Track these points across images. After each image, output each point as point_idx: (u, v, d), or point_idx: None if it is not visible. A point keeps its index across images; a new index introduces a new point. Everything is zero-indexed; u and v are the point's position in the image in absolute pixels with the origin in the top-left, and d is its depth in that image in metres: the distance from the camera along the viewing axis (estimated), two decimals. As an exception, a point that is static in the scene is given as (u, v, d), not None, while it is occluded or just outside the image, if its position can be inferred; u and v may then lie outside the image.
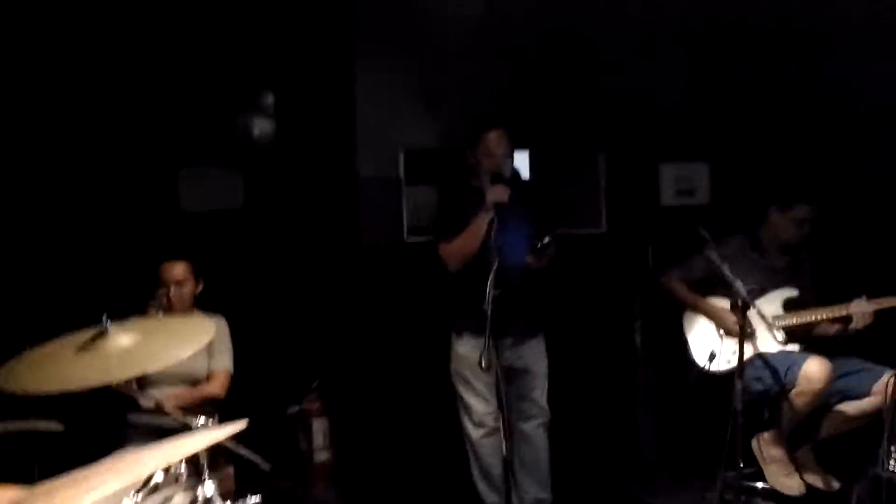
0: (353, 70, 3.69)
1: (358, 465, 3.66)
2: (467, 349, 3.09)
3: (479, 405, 3.12)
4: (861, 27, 3.63)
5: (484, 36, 3.82)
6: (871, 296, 3.08)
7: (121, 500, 1.65)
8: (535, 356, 3.19)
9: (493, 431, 3.08)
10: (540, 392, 3.21)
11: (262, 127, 4.04)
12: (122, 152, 3.65)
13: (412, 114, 3.71)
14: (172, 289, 2.93)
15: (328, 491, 3.70)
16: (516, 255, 2.97)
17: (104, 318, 1.75)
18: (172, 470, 1.79)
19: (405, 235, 3.69)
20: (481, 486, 3.20)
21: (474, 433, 3.16)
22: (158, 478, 1.74)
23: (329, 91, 3.84)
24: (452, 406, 3.24)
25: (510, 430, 3.08)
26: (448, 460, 3.37)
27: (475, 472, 3.21)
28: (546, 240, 2.97)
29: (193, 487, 1.72)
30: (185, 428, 2.03)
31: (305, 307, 3.78)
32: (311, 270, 3.83)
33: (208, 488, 1.70)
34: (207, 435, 1.51)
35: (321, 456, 3.72)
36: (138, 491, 1.69)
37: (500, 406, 2.73)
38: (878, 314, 3.06)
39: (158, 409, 2.42)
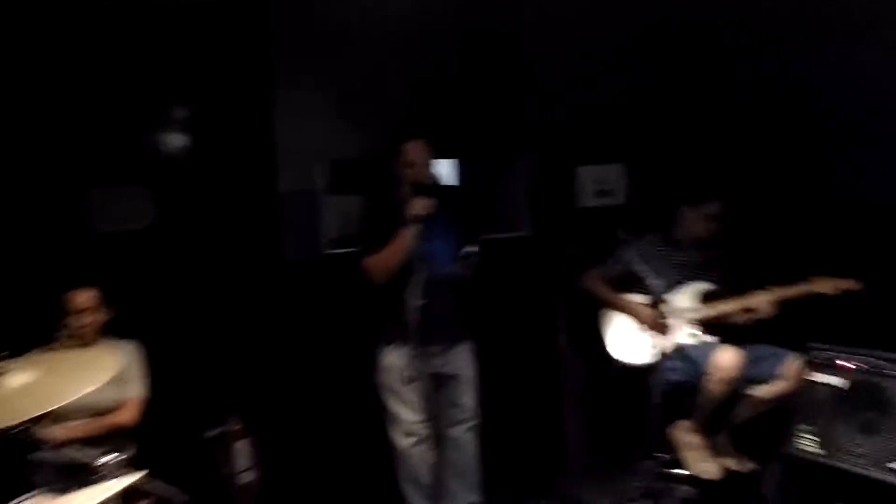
0: (270, 81, 3.61)
1: (284, 485, 3.59)
2: (394, 360, 3.08)
3: (408, 415, 3.10)
4: (774, 29, 3.78)
5: (405, 44, 3.80)
6: (777, 286, 3.23)
7: None
8: (463, 362, 3.20)
9: (421, 440, 3.07)
10: (469, 397, 3.22)
11: (173, 142, 3.91)
12: (26, 171, 3.47)
13: (333, 124, 3.65)
14: (78, 318, 2.79)
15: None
16: (442, 264, 2.99)
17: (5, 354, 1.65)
18: None
19: (328, 248, 3.62)
20: (411, 496, 3.18)
21: (403, 443, 3.14)
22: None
23: (245, 103, 3.74)
24: (379, 417, 3.21)
25: (439, 437, 3.09)
26: (377, 473, 3.34)
27: (404, 482, 3.19)
28: (470, 249, 3.00)
29: None
30: (90, 467, 1.93)
31: (225, 327, 3.68)
32: (230, 289, 3.73)
33: None
34: (104, 490, 1.43)
35: (245, 478, 3.62)
36: None
37: (429, 415, 2.73)
38: (782, 303, 3.21)
39: (61, 447, 2.29)
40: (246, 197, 3.80)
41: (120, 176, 3.68)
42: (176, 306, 3.63)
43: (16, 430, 2.33)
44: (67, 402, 1.65)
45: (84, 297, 2.82)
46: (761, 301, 3.19)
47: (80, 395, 1.64)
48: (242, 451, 3.55)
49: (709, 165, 4.08)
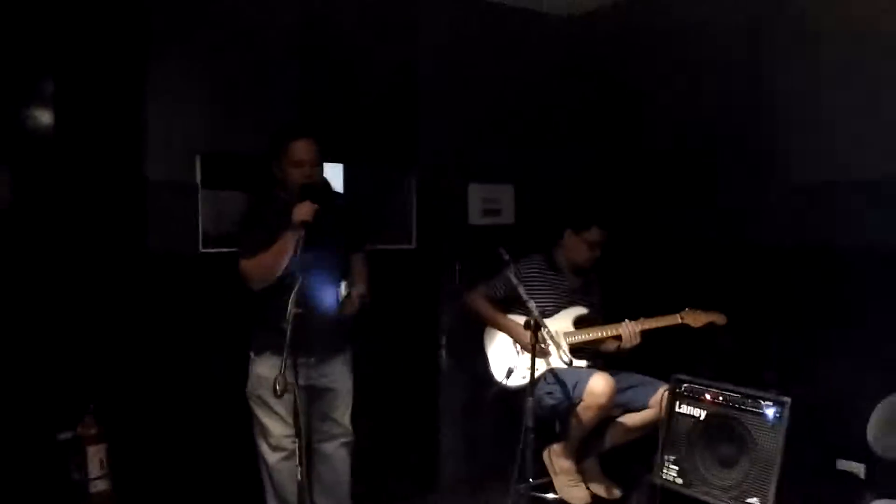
0: (145, 62, 3.37)
1: (140, 494, 3.33)
2: (266, 369, 2.93)
3: (277, 427, 2.97)
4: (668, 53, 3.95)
5: (296, 38, 3.67)
6: (647, 316, 3.34)
7: None
8: (339, 374, 3.11)
9: (291, 455, 2.92)
10: (343, 411, 3.13)
11: (37, 118, 3.57)
12: None
13: (211, 114, 3.45)
14: None
15: (107, 524, 3.35)
16: (322, 272, 2.88)
17: None
18: None
19: (200, 245, 3.42)
20: (275, 513, 3.05)
21: (271, 457, 3.00)
22: None
23: (117, 83, 3.47)
24: (246, 429, 3.05)
25: (310, 452, 2.97)
26: (241, 486, 3.18)
27: (270, 498, 3.06)
28: (344, 289, 2.95)
29: None
30: None
31: (81, 321, 3.38)
32: (89, 280, 3.43)
33: None
34: None
35: (98, 486, 3.37)
36: None
37: (298, 429, 2.61)
38: (647, 333, 3.32)
39: None
40: (112, 183, 3.51)
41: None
42: (29, 297, 3.30)
43: None
44: None
45: None
46: (629, 329, 3.29)
47: None
48: (96, 457, 3.29)
49: (593, 192, 4.20)
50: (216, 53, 3.46)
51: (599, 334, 3.37)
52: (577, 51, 4.35)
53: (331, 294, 2.97)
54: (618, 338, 3.32)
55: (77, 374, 3.37)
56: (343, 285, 2.98)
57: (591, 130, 4.34)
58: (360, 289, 3.06)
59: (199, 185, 3.42)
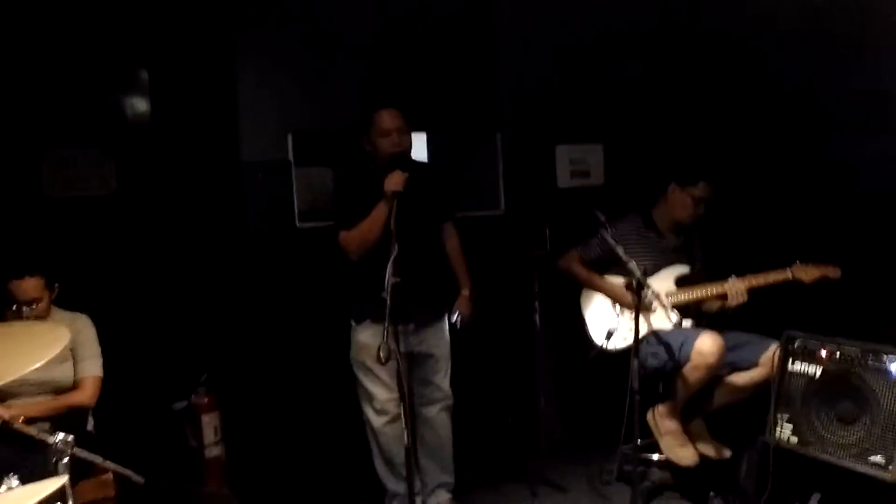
0: (234, 46, 3.45)
1: (253, 459, 3.49)
2: (367, 337, 3.01)
3: (381, 392, 3.04)
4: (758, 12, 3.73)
5: (377, 13, 3.67)
6: (754, 272, 3.19)
7: None
8: (437, 340, 3.15)
9: (395, 418, 3.02)
10: (442, 376, 3.17)
11: (136, 106, 3.72)
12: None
13: (299, 93, 3.51)
14: (24, 309, 2.65)
15: (221, 487, 3.53)
16: (416, 241, 2.91)
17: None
18: None
19: (297, 221, 3.50)
20: (384, 474, 3.15)
21: (376, 421, 3.08)
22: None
23: (208, 68, 3.58)
24: (351, 394, 3.13)
25: (413, 416, 3.03)
26: (348, 449, 3.28)
27: (377, 460, 3.14)
28: (456, 317, 3.16)
29: None
30: (42, 443, 1.80)
31: (190, 298, 3.54)
32: (194, 259, 3.58)
33: None
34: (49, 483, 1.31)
35: (213, 451, 3.55)
36: None
37: (402, 394, 2.66)
38: (755, 291, 3.17)
39: (6, 426, 2.15)
40: (210, 165, 3.64)
41: (80, 140, 3.49)
42: (143, 277, 3.48)
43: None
44: (12, 378, 1.50)
45: (29, 287, 2.67)
46: (735, 287, 3.15)
47: (26, 372, 1.50)
48: (210, 425, 3.47)
49: (698, 147, 4.03)
50: (301, 34, 3.50)
51: (703, 293, 3.25)
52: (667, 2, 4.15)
53: (424, 260, 3.00)
54: (723, 296, 3.19)
55: (190, 346, 3.54)
56: (455, 315, 3.18)
57: (687, 83, 4.14)
58: (465, 291, 3.20)
59: (293, 163, 3.48)
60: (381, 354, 2.49)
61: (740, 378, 3.16)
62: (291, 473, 3.42)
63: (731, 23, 3.90)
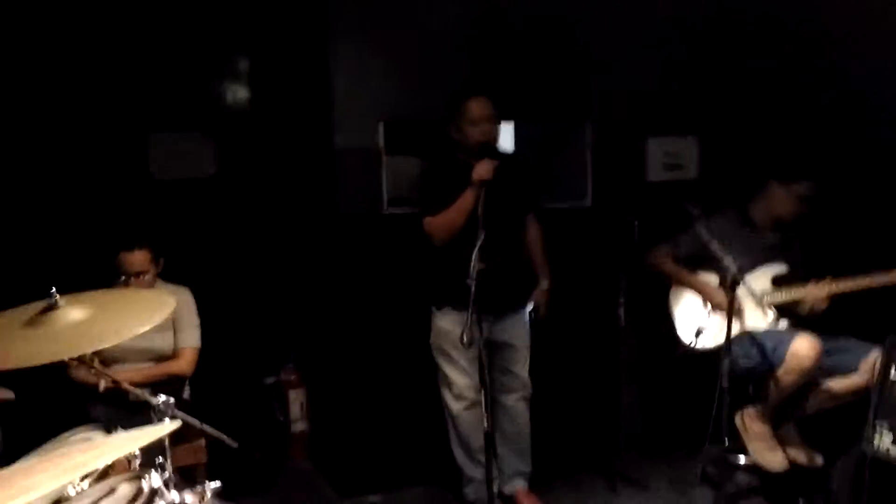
0: (328, 36, 3.54)
1: (335, 436, 3.60)
2: (448, 323, 3.03)
3: (460, 379, 3.07)
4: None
5: (467, 2, 3.67)
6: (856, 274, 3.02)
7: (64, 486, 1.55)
8: (517, 330, 3.14)
9: (473, 405, 3.03)
10: (522, 366, 3.17)
11: (236, 92, 3.90)
12: (92, 116, 3.49)
13: (391, 83, 3.57)
14: (132, 280, 2.80)
15: (305, 462, 3.67)
16: (501, 230, 2.91)
17: (52, 291, 1.62)
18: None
19: (384, 206, 3.57)
20: (462, 459, 3.17)
21: (455, 406, 3.11)
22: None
23: (304, 57, 3.70)
24: (432, 377, 3.17)
25: (491, 403, 3.03)
26: (428, 432, 3.32)
27: (455, 445, 3.17)
28: (531, 310, 3.17)
29: (141, 477, 1.61)
30: (146, 404, 1.92)
31: (281, 277, 3.68)
32: (287, 240, 3.72)
33: (154, 479, 1.59)
34: (143, 436, 1.40)
35: (298, 427, 3.70)
36: (84, 477, 1.59)
37: (482, 381, 2.67)
38: (855, 294, 2.99)
39: (115, 386, 2.30)
40: (305, 151, 3.77)
41: (184, 125, 3.68)
42: (234, 255, 3.64)
43: (73, 366, 2.37)
44: (121, 340, 1.61)
45: (137, 260, 2.82)
46: (838, 288, 2.99)
47: (133, 335, 1.60)
48: (296, 401, 3.59)
49: (799, 141, 3.84)
50: (395, 26, 3.55)
51: (802, 293, 3.10)
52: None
53: (508, 249, 3.00)
54: (827, 297, 3.03)
55: (280, 324, 3.68)
56: (530, 308, 3.18)
57: (789, 73, 3.94)
58: (543, 284, 3.19)
59: (383, 151, 3.55)
60: (465, 339, 2.51)
61: (837, 383, 3.01)
62: (372, 452, 3.50)
63: (837, 12, 3.69)
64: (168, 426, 1.47)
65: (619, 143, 4.00)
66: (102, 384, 2.56)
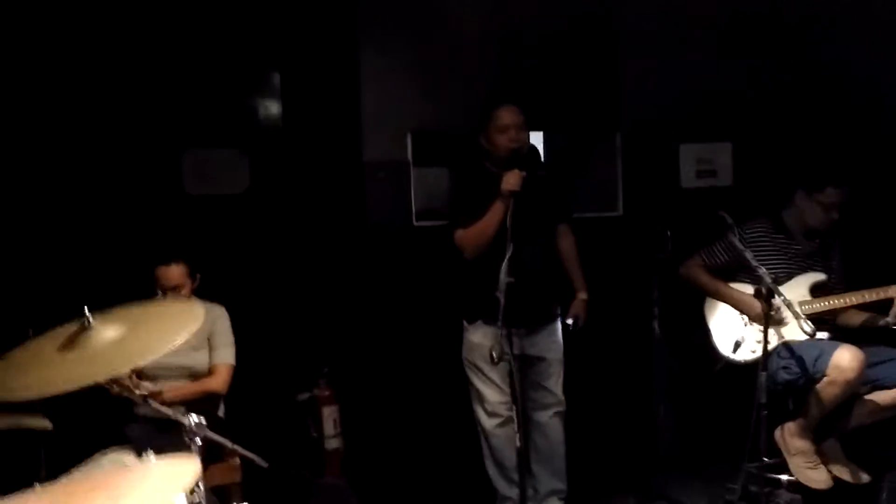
0: (357, 51, 3.58)
1: (369, 452, 3.59)
2: (480, 337, 3.01)
3: (493, 394, 3.04)
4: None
5: (494, 14, 3.67)
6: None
7: None
8: (550, 344, 3.11)
9: (506, 421, 3.00)
10: (555, 381, 3.12)
11: (267, 108, 3.94)
12: (126, 132, 3.56)
13: (419, 95, 3.58)
14: (170, 294, 2.84)
15: (339, 478, 3.65)
16: (531, 241, 2.89)
17: (85, 311, 1.64)
18: None
19: (414, 219, 3.57)
20: (495, 477, 3.13)
21: (487, 423, 3.08)
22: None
23: (334, 72, 3.73)
24: (465, 393, 3.15)
25: (525, 420, 3.00)
26: (461, 448, 3.30)
27: (489, 462, 3.14)
28: (570, 322, 3.13)
29: None
30: (177, 424, 1.93)
31: (314, 293, 3.69)
32: (318, 255, 3.73)
33: (180, 500, 1.58)
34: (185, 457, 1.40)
35: (332, 443, 3.69)
36: None
37: (514, 396, 2.64)
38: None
39: (149, 399, 2.32)
40: (335, 164, 3.79)
41: (217, 141, 3.73)
42: (266, 270, 3.67)
43: (109, 385, 2.40)
44: (157, 355, 1.62)
45: (174, 274, 2.85)
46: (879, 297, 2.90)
47: (169, 348, 1.61)
48: (330, 417, 3.59)
49: (827, 147, 3.75)
50: (423, 39, 3.57)
51: (842, 302, 3.01)
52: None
53: (539, 261, 2.96)
54: (876, 305, 2.94)
55: (314, 339, 3.69)
56: (570, 319, 3.15)
57: (822, 77, 3.86)
58: (581, 295, 3.15)
59: (412, 163, 3.55)
60: (494, 355, 2.48)
61: (882, 397, 2.91)
62: (406, 469, 3.49)
63: (878, 20, 3.60)
64: (187, 461, 1.43)
65: (651, 151, 3.96)
66: (144, 390, 2.55)
